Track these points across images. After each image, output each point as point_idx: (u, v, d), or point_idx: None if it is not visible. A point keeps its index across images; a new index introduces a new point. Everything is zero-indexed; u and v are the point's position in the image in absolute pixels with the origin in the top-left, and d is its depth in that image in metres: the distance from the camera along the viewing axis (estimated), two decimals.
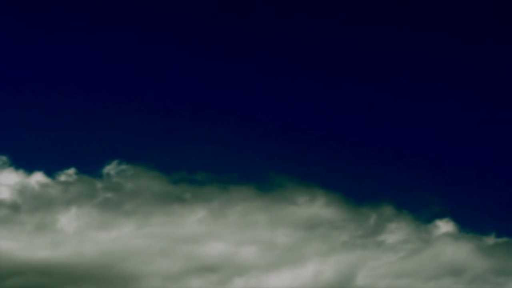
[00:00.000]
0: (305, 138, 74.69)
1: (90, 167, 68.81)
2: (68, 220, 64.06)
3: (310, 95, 76.07)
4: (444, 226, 67.08)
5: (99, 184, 67.78)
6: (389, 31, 75.92)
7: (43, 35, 74.18)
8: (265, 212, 67.80)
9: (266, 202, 68.56)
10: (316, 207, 68.68)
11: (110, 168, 68.82)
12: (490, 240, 65.78)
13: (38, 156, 69.73)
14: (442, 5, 75.69)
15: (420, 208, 69.41)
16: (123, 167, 69.13)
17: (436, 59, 75.87)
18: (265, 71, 76.09)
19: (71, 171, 67.78)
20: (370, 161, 73.88)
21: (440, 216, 67.90)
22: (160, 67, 74.92)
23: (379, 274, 63.22)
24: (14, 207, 64.31)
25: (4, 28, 73.91)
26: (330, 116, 75.77)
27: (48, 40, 74.24)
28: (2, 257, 59.95)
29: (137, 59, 74.95)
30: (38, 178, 66.95)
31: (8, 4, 73.99)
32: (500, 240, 65.87)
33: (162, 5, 75.50)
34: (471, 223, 67.52)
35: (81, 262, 61.24)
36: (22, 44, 73.69)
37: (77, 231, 63.51)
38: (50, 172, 67.59)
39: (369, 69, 76.53)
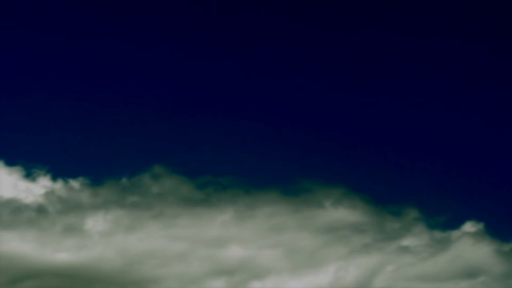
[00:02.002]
0: (331, 141, 74.84)
1: (117, 172, 70.01)
2: (92, 223, 65.01)
3: (336, 99, 76.44)
4: (467, 230, 67.21)
5: (125, 188, 68.77)
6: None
7: (62, 42, 75.56)
8: (289, 216, 67.90)
9: (291, 206, 68.69)
10: (341, 211, 68.55)
11: (136, 172, 69.82)
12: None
13: (66, 161, 71.07)
14: (441, 6, 75.97)
15: (444, 212, 69.75)
16: (149, 171, 69.94)
17: (458, 60, 75.98)
18: (290, 76, 76.73)
19: (98, 175, 69.33)
20: (397, 163, 74.04)
21: (462, 220, 68.00)
22: (186, 72, 75.94)
23: (400, 277, 63.14)
24: (40, 211, 65.56)
25: (32, 35, 75.44)
26: (356, 120, 75.96)
27: (66, 47, 75.62)
28: (22, 259, 61.03)
29: (162, 65, 76.12)
30: (64, 182, 68.55)
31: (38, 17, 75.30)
32: None
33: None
34: (493, 228, 67.57)
35: (101, 265, 62.16)
36: (44, 54, 75.23)
37: (100, 234, 64.48)
38: (76, 176, 69.03)
39: (395, 72, 76.86)
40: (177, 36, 76.81)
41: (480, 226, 67.03)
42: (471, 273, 62.85)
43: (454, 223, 67.92)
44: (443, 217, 68.79)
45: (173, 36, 76.83)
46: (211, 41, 76.19)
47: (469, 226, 67.12)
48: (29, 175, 68.42)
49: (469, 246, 64.94)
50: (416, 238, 66.85)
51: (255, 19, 76.36)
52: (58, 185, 68.14)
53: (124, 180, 69.22)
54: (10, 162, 68.36)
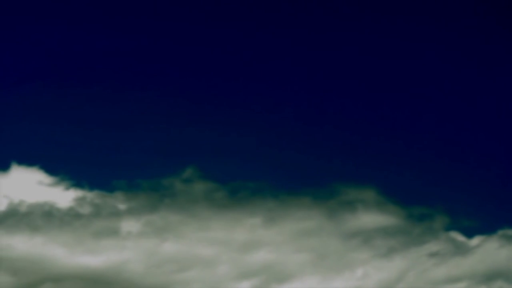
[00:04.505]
0: (363, 144, 74.49)
1: (148, 174, 70.63)
2: (122, 227, 65.67)
3: (367, 102, 76.35)
4: (498, 236, 66.65)
5: (156, 191, 69.19)
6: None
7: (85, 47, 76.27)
8: (320, 220, 67.92)
9: (322, 210, 68.50)
10: (372, 215, 68.24)
11: (168, 175, 70.29)
12: None
13: (100, 164, 71.94)
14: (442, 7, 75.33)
15: (475, 218, 69.08)
16: (181, 174, 70.44)
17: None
18: (320, 80, 76.71)
19: (129, 178, 69.88)
20: (430, 167, 73.51)
21: (494, 226, 67.37)
22: (220, 78, 76.41)
23: (427, 281, 63.20)
24: (71, 214, 66.33)
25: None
26: (390, 122, 75.79)
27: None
28: (46, 262, 62.04)
29: (199, 68, 76.19)
30: (97, 186, 69.45)
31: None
32: None
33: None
34: None
35: (126, 268, 62.73)
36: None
37: (129, 238, 64.93)
38: (109, 179, 70.07)
39: (427, 73, 76.41)
40: (228, 38, 77.28)
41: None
42: (494, 277, 62.65)
43: (484, 229, 67.41)
44: (474, 223, 68.31)
45: (225, 38, 77.19)
46: (249, 46, 76.92)
47: (501, 233, 66.62)
48: (65, 181, 69.81)
49: (497, 251, 64.59)
50: (446, 243, 66.50)
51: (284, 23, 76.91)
52: (91, 189, 69.27)
53: (156, 183, 69.86)
54: (49, 170, 69.80)
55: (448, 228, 67.97)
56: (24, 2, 75.17)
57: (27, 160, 69.18)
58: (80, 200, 67.47)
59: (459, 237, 67.07)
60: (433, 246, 66.10)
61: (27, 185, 68.15)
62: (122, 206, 67.77)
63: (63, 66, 75.18)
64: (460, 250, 65.68)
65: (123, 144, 72.68)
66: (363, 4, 76.07)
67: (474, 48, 74.78)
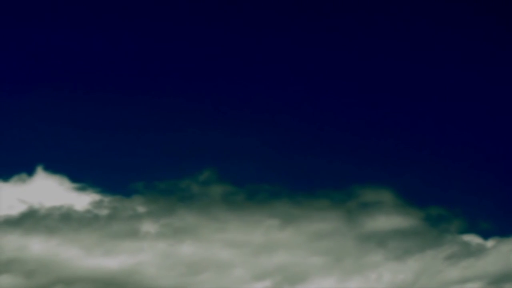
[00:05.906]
0: (380, 147, 74.57)
1: (163, 179, 70.86)
2: (138, 229, 66.02)
3: (384, 104, 76.22)
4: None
5: (172, 197, 69.67)
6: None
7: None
8: (337, 222, 68.26)
9: (339, 212, 68.77)
10: (388, 217, 68.34)
11: (185, 177, 70.66)
12: None
13: (119, 168, 72.85)
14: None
15: (490, 219, 68.77)
16: (197, 176, 70.76)
17: None
18: (336, 83, 76.85)
19: (146, 180, 70.37)
20: (447, 168, 73.41)
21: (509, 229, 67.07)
22: (236, 81, 76.73)
23: (439, 282, 63.23)
24: (88, 218, 67.00)
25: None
26: (409, 124, 75.79)
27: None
28: (59, 264, 62.46)
29: (214, 71, 76.60)
30: (113, 190, 70.12)
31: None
32: None
33: None
34: None
35: (138, 271, 62.98)
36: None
37: (144, 240, 65.23)
38: (122, 185, 70.57)
39: (446, 76, 76.12)
40: (240, 39, 77.65)
41: None
42: (505, 279, 62.36)
43: (500, 231, 67.14)
44: (489, 225, 68.06)
45: (236, 39, 77.58)
46: (263, 47, 77.12)
47: None
48: (84, 185, 70.56)
49: (511, 253, 64.26)
50: (461, 245, 66.25)
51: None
52: (109, 191, 69.84)
53: (173, 185, 70.38)
54: (69, 174, 70.55)
55: (464, 230, 67.95)
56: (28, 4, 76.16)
57: (51, 165, 70.26)
58: (98, 203, 68.22)
59: (475, 239, 66.89)
60: (448, 248, 65.87)
61: (49, 188, 69.02)
62: (139, 209, 68.36)
63: (79, 72, 76.20)
64: (475, 252, 65.42)
65: (141, 147, 73.59)
66: (364, 5, 76.11)
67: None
